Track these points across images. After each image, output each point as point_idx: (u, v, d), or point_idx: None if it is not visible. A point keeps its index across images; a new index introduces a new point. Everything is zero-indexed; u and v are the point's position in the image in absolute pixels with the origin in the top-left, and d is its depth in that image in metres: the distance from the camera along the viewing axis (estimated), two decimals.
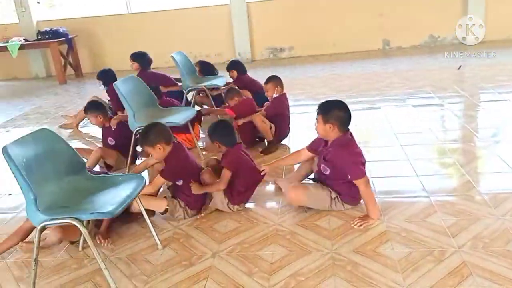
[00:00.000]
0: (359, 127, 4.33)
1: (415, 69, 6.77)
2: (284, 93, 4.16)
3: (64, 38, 8.35)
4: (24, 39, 8.32)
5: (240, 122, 3.97)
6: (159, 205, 2.87)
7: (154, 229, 2.64)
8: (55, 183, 2.30)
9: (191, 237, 2.71)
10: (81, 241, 2.66)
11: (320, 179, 2.84)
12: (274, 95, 4.10)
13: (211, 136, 3.03)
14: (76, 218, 2.09)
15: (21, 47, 8.15)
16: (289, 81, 6.73)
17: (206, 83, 4.94)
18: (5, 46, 8.08)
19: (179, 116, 3.69)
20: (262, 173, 3.02)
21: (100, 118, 3.83)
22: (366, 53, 8.31)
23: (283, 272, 2.28)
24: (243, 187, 2.92)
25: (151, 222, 2.65)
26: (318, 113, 2.73)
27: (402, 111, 4.85)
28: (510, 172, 3.15)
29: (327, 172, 2.74)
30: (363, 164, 2.71)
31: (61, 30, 8.36)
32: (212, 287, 2.23)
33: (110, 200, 2.22)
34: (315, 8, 8.42)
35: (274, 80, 4.12)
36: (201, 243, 2.63)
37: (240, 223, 2.81)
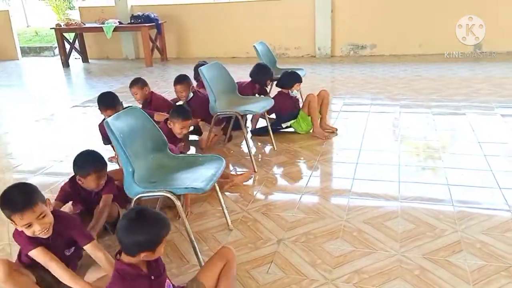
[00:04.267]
0: (440, 132, 4.18)
1: (508, 77, 6.31)
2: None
3: (154, 23, 8.81)
4: (118, 21, 8.89)
5: None
6: None
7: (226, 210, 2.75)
8: (143, 158, 2.46)
9: (258, 222, 2.78)
10: None
11: None
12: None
13: None
14: (170, 192, 2.24)
15: (115, 29, 8.72)
16: (367, 79, 6.63)
17: None
18: (101, 27, 8.70)
19: (257, 105, 3.77)
20: None
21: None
22: (454, 56, 7.89)
23: (347, 267, 2.28)
24: None
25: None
26: None
27: (489, 119, 4.56)
28: None
29: None
30: None
31: (152, 15, 8.82)
32: (276, 271, 2.28)
33: (198, 177, 2.35)
34: (402, 5, 8.13)
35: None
36: (268, 228, 2.70)
37: (307, 214, 2.83)
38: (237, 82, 4.35)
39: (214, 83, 3.67)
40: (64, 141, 4.56)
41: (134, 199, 2.30)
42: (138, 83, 4.14)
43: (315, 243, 2.51)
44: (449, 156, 3.64)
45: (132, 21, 8.85)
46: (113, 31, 8.69)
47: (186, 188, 2.26)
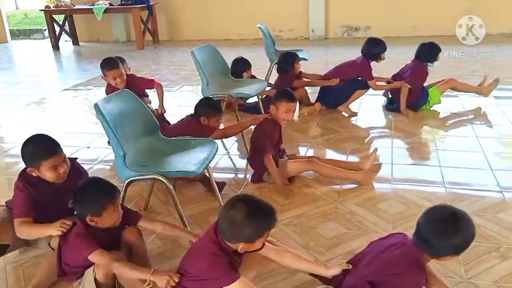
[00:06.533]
0: (433, 114, 4.18)
1: (502, 59, 6.31)
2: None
3: (145, 4, 8.66)
4: (109, 3, 8.74)
5: None
6: None
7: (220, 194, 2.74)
8: (134, 142, 2.43)
9: None
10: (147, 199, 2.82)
11: None
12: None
13: None
14: (162, 175, 2.23)
15: (106, 11, 8.58)
16: None
17: None
18: (91, 9, 8.55)
19: (251, 88, 3.74)
20: None
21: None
22: (449, 38, 7.84)
23: (340, 249, 2.29)
24: None
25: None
26: None
27: (482, 101, 4.56)
28: None
29: None
30: None
31: None
32: None
33: (191, 161, 2.34)
34: None
35: None
36: None
37: (300, 197, 2.84)
38: (346, 63, 4.42)
39: (206, 65, 3.63)
40: (55, 124, 4.51)
41: (125, 183, 2.28)
42: (117, 65, 3.41)
43: (308, 225, 2.52)
44: (441, 138, 3.66)
45: (123, 2, 8.70)
46: (103, 12, 8.54)
47: (177, 171, 2.25)
